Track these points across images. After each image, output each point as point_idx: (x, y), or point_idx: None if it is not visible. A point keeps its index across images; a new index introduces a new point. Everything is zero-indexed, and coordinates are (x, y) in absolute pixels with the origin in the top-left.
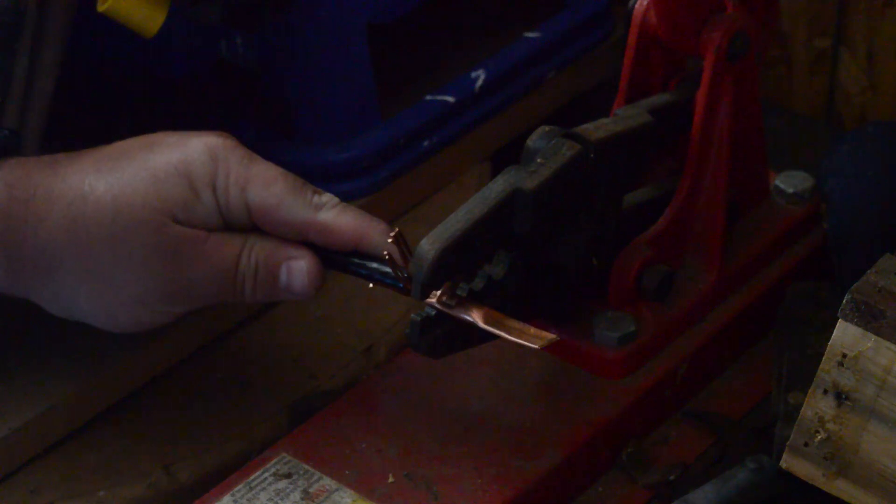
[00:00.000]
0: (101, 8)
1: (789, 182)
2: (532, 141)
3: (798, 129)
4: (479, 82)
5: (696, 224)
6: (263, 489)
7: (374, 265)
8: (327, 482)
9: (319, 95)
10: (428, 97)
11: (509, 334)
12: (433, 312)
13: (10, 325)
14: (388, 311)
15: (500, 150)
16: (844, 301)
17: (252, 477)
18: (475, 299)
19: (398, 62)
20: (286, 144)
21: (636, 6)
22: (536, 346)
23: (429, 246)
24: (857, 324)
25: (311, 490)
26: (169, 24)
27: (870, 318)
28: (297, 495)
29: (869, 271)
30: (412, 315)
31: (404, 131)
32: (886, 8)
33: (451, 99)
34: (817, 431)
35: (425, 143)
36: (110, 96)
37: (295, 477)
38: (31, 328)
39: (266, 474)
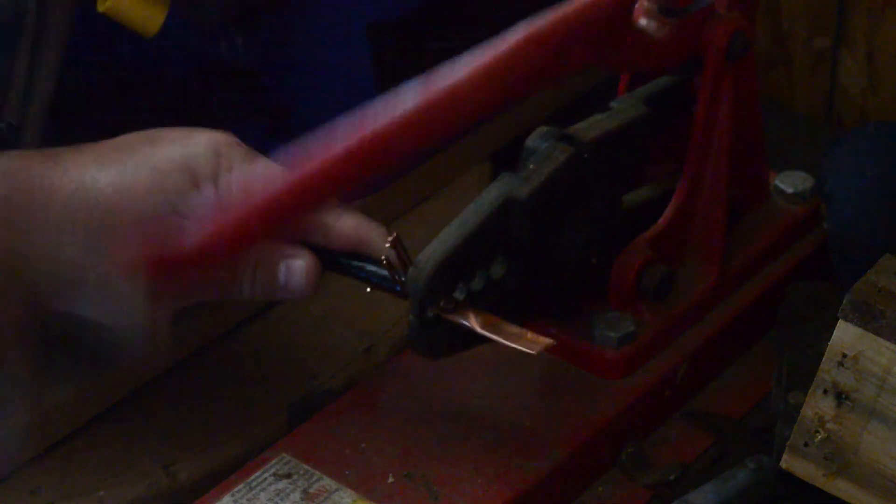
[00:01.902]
0: (101, 8)
1: (789, 182)
2: (531, 141)
3: (798, 129)
4: None
5: (696, 224)
6: (263, 489)
7: (373, 268)
8: (327, 482)
9: (319, 95)
10: None
11: (506, 339)
12: (432, 314)
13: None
14: (388, 311)
15: (500, 150)
16: (844, 301)
17: (252, 477)
18: (474, 300)
19: (398, 62)
20: (286, 144)
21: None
22: (533, 352)
23: (424, 262)
24: (857, 324)
25: (310, 490)
26: (169, 24)
27: (870, 319)
28: (297, 495)
29: (869, 271)
30: (411, 316)
31: None
32: (886, 8)
33: None
34: (817, 431)
35: None
36: (111, 96)
37: (295, 477)
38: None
39: (266, 474)
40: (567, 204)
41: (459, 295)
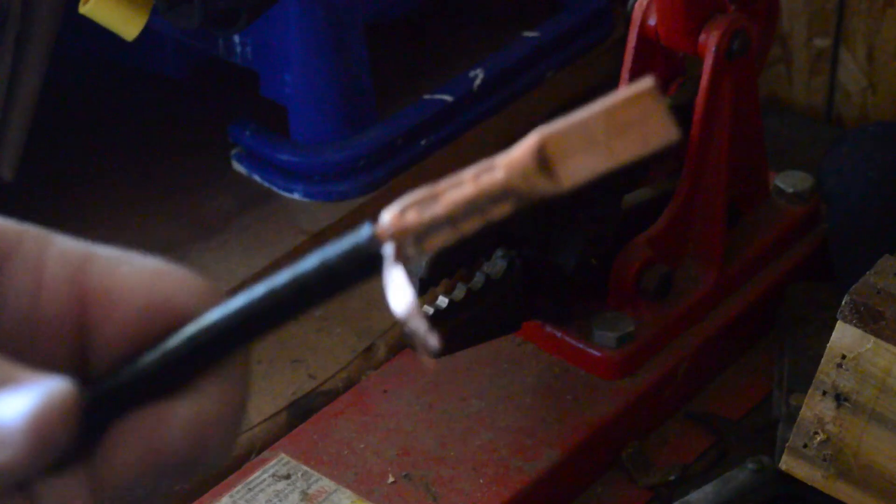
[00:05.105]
0: (81, 9)
1: (789, 182)
2: None
3: (798, 129)
4: (478, 81)
5: (696, 224)
6: (262, 490)
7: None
8: (326, 483)
9: (317, 95)
10: (426, 96)
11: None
12: (431, 312)
13: None
14: (388, 311)
15: (500, 151)
16: (843, 302)
17: (251, 478)
18: (474, 300)
19: (396, 60)
20: (284, 144)
21: (635, 6)
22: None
23: None
24: (856, 325)
25: (309, 491)
26: (165, 23)
27: (869, 320)
28: (295, 497)
29: (868, 272)
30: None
31: (402, 130)
32: (886, 8)
33: (448, 98)
34: (817, 433)
35: (423, 143)
36: (107, 94)
37: (294, 478)
38: None
39: (265, 475)
40: (568, 200)
41: (459, 292)
